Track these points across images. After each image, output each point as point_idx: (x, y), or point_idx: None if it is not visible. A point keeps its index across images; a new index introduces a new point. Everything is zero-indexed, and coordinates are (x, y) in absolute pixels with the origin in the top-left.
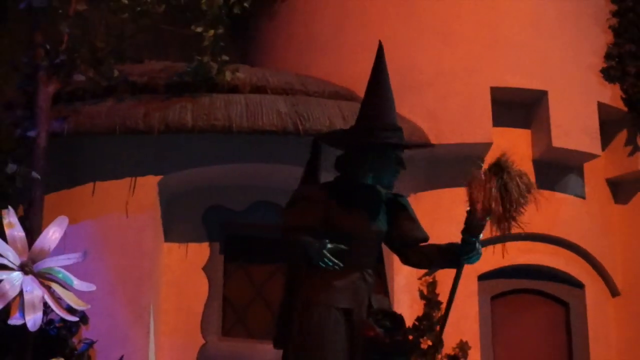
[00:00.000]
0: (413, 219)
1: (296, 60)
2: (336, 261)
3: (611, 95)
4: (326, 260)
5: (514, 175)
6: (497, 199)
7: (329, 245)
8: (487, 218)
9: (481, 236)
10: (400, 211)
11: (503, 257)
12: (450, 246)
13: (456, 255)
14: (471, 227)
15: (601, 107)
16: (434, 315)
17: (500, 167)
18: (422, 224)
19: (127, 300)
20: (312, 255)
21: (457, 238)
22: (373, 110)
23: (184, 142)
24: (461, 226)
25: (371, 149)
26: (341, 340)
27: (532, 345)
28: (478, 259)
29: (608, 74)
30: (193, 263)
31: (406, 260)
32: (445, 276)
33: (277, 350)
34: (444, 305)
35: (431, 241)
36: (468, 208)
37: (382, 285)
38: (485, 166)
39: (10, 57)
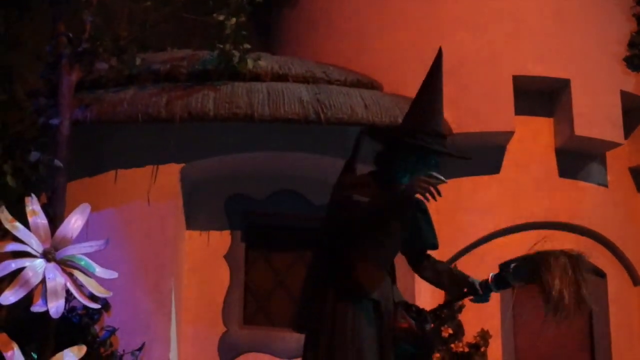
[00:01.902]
0: (431, 225)
1: (318, 49)
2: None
3: (634, 83)
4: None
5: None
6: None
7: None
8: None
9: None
10: (421, 215)
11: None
12: (464, 279)
13: (468, 292)
14: (506, 284)
15: (624, 95)
16: (454, 304)
17: (578, 263)
18: (443, 213)
19: (149, 287)
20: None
21: (475, 227)
22: (422, 113)
23: (205, 131)
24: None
25: (414, 151)
26: (373, 332)
27: (553, 334)
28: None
29: (631, 62)
30: (215, 251)
31: (417, 269)
32: (466, 264)
33: (297, 338)
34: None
35: (452, 229)
36: (515, 264)
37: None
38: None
39: (33, 46)
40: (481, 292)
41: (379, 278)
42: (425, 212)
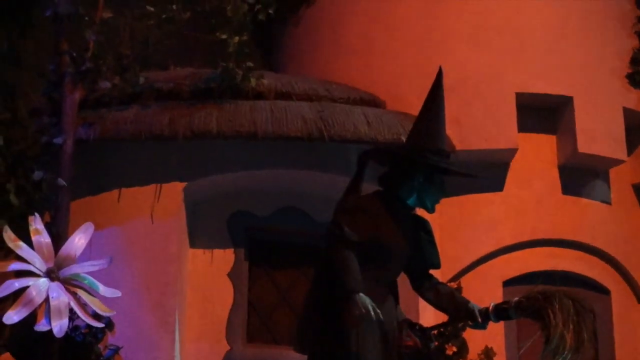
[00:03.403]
0: (434, 245)
1: (321, 67)
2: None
3: (637, 100)
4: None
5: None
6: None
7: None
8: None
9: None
10: (424, 235)
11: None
12: (465, 305)
13: (465, 318)
14: (506, 316)
15: (627, 112)
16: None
17: (581, 306)
18: (446, 230)
19: (152, 306)
20: (352, 312)
21: (478, 243)
22: (426, 133)
23: (209, 149)
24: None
25: (419, 170)
26: (377, 353)
27: None
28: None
29: (634, 79)
30: (218, 269)
31: (418, 289)
32: (470, 282)
33: (301, 356)
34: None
35: (455, 246)
36: (518, 299)
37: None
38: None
39: (36, 64)
40: (480, 321)
41: (382, 298)
42: (429, 232)
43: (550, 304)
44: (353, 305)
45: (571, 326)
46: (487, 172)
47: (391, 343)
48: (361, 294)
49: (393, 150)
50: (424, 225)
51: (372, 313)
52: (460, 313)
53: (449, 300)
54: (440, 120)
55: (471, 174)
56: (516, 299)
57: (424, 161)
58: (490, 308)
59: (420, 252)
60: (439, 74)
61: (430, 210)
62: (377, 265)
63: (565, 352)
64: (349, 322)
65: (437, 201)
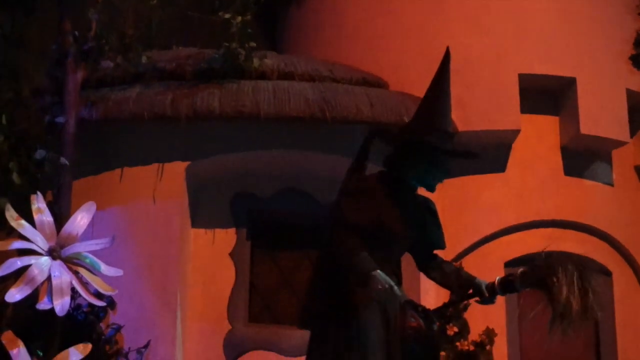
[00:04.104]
0: (439, 226)
1: (324, 48)
2: (394, 297)
3: None
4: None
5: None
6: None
7: (389, 285)
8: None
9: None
10: (429, 217)
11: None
12: (472, 279)
13: (467, 290)
14: (512, 288)
15: (630, 94)
16: (459, 304)
17: (586, 272)
18: (448, 211)
19: (154, 285)
20: (372, 289)
21: (481, 225)
22: (432, 114)
23: (211, 129)
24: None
25: (422, 150)
26: (379, 333)
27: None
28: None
29: (637, 61)
30: (220, 249)
31: (424, 269)
32: (471, 262)
33: (303, 335)
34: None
35: (457, 227)
36: (523, 270)
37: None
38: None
39: (39, 44)
40: (487, 295)
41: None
42: (434, 213)
43: (553, 271)
44: (374, 282)
45: (576, 291)
46: (490, 154)
47: (393, 324)
48: (379, 271)
49: (399, 131)
50: (428, 206)
51: (395, 288)
52: (466, 290)
53: (455, 278)
54: (446, 101)
55: (474, 154)
56: (521, 269)
57: (429, 142)
58: (496, 282)
59: (425, 233)
60: (446, 55)
61: (432, 190)
62: (380, 247)
63: (572, 317)
64: (364, 299)
65: (439, 181)
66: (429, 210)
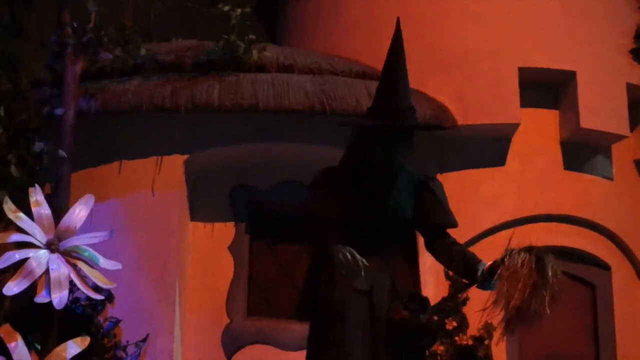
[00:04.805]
0: (440, 204)
1: (324, 40)
2: (358, 269)
3: None
4: (349, 270)
5: (553, 275)
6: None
7: (352, 255)
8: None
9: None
10: (427, 195)
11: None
12: (474, 264)
13: (474, 277)
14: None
15: (630, 88)
16: (459, 296)
17: (542, 266)
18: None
19: (153, 278)
20: (336, 263)
21: (480, 219)
22: (382, 92)
23: (210, 121)
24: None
25: (375, 131)
26: (360, 322)
27: (558, 327)
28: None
29: (637, 55)
30: (219, 242)
31: (430, 249)
32: None
33: (302, 329)
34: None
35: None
36: (503, 256)
37: (410, 267)
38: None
39: (38, 35)
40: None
41: (371, 268)
42: (433, 191)
43: (502, 263)
44: (335, 253)
45: (520, 285)
46: (489, 147)
47: (379, 314)
48: (339, 245)
49: (355, 117)
50: (426, 185)
51: (359, 259)
52: (474, 271)
53: (459, 263)
54: (395, 75)
55: (429, 126)
56: (490, 263)
57: (373, 122)
58: (485, 268)
59: (425, 213)
60: (397, 26)
61: (396, 168)
62: (362, 237)
63: (514, 315)
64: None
65: (401, 158)
66: (427, 189)
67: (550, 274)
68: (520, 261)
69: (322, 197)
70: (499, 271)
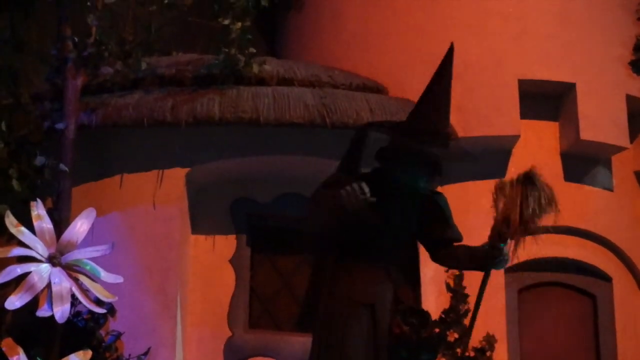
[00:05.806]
0: (446, 219)
1: (324, 53)
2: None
3: None
4: (360, 196)
5: (540, 188)
6: (518, 211)
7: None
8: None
9: (507, 244)
10: (434, 210)
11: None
12: (479, 250)
13: (484, 260)
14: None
15: (629, 99)
16: (460, 308)
17: (529, 180)
18: None
19: (154, 291)
20: (345, 196)
21: (482, 230)
22: (421, 111)
23: (211, 135)
24: (487, 219)
25: (407, 148)
26: (363, 335)
27: (559, 338)
28: (504, 264)
29: (637, 66)
30: (220, 255)
31: (436, 259)
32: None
33: (303, 342)
34: (471, 300)
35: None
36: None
37: (412, 281)
38: (513, 173)
39: (38, 49)
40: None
41: (374, 281)
42: (439, 206)
43: (497, 194)
44: (341, 197)
45: (519, 209)
46: (490, 159)
47: (380, 328)
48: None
49: (391, 126)
50: (431, 199)
51: (359, 189)
52: (482, 257)
53: (467, 254)
54: (439, 98)
55: (469, 156)
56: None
57: (411, 145)
58: (489, 237)
59: (430, 227)
60: (450, 51)
61: (421, 189)
62: (366, 248)
63: (510, 231)
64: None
65: (426, 181)
66: (434, 204)
67: (538, 183)
68: (509, 183)
69: (333, 182)
70: (494, 196)
